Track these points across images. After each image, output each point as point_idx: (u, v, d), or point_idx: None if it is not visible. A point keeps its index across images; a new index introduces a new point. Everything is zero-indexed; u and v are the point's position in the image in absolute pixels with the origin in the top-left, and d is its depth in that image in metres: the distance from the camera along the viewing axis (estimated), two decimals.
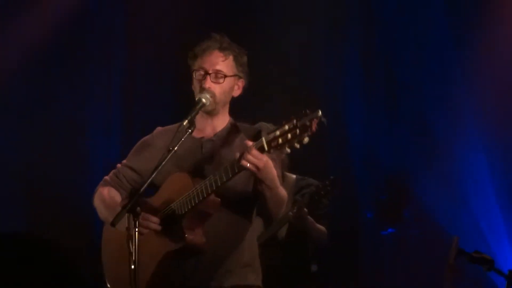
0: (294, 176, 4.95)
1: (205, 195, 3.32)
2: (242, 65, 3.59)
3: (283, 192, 3.45)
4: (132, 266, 3.28)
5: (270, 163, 3.29)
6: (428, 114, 6.05)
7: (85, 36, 6.21)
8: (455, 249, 4.20)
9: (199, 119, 3.53)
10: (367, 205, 6.28)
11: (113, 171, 3.64)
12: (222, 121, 3.63)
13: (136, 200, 3.22)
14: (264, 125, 3.52)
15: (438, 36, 6.12)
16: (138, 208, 3.22)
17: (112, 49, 6.32)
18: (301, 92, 5.96)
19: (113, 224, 3.24)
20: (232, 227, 3.52)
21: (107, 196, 3.63)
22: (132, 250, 3.26)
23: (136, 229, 3.21)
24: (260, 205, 3.50)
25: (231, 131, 3.61)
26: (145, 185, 3.29)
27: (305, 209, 4.84)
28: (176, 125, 3.60)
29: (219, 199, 3.37)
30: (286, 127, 3.12)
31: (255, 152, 3.21)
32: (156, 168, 3.30)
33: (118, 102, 6.35)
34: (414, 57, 6.18)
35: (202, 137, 3.57)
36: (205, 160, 3.54)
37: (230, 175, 3.28)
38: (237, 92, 3.59)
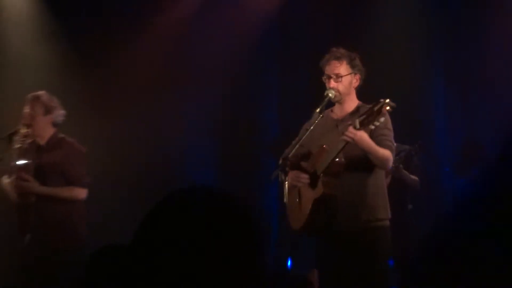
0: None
1: (331, 159, 4.18)
2: (356, 65, 4.43)
3: (381, 152, 4.16)
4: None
5: (363, 136, 4.04)
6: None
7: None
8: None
9: (336, 107, 4.49)
10: (446, 163, 7.28)
11: None
12: (350, 105, 4.46)
13: (285, 163, 4.28)
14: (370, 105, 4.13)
15: None
16: (287, 168, 4.29)
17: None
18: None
19: (270, 179, 4.37)
20: (360, 180, 4.29)
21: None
22: (286, 197, 4.32)
23: (286, 182, 4.28)
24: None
25: (354, 112, 4.40)
26: (293, 151, 4.28)
27: (401, 165, 6.00)
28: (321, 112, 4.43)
29: (344, 161, 4.18)
30: (368, 112, 3.93)
31: (348, 130, 4.05)
32: (297, 142, 4.33)
33: (275, 103, 7.54)
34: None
35: (338, 119, 4.48)
36: (339, 134, 4.28)
37: (341, 147, 4.14)
38: (355, 84, 4.45)
